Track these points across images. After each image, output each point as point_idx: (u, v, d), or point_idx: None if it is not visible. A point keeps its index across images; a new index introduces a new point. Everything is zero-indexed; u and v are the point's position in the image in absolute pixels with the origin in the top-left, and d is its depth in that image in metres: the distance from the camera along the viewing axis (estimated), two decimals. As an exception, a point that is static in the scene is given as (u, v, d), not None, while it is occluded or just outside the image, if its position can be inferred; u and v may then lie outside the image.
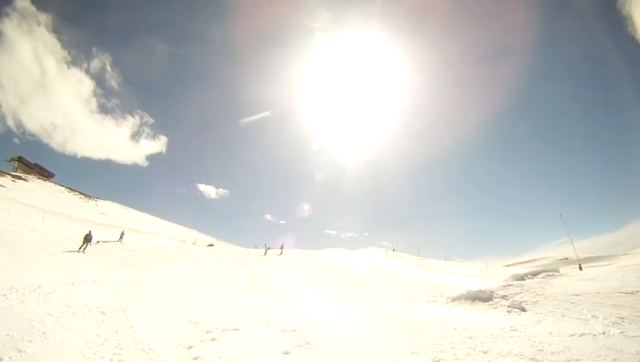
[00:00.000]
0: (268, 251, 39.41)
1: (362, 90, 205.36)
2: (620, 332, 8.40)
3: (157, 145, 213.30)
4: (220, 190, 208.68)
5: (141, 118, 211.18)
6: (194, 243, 58.41)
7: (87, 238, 25.64)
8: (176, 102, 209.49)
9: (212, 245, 60.78)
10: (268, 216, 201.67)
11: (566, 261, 61.23)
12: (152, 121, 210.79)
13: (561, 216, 47.11)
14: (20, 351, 6.13)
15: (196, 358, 6.68)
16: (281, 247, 39.51)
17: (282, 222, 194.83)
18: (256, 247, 48.62)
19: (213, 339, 7.80)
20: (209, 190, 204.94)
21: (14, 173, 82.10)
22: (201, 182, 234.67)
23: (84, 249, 24.76)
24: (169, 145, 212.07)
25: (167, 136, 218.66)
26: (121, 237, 34.85)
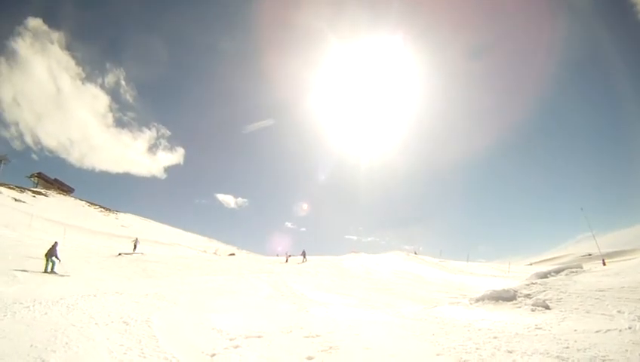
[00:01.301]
0: (289, 259, 39.50)
1: (377, 93, 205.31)
2: None
3: (174, 156, 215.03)
4: (239, 199, 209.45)
5: (157, 131, 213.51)
6: (215, 253, 58.97)
7: (50, 254, 20.06)
8: (191, 113, 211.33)
9: (233, 254, 61.19)
10: (288, 224, 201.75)
11: (589, 257, 60.43)
12: (168, 133, 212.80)
13: (582, 209, 46.41)
14: (43, 361, 6.27)
15: None
16: (303, 254, 39.54)
17: (303, 229, 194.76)
18: (277, 255, 48.81)
19: (236, 347, 7.79)
20: (228, 199, 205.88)
21: (34, 189, 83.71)
22: (219, 192, 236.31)
23: (51, 268, 19.61)
24: (186, 157, 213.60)
25: (184, 147, 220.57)
26: (135, 247, 34.77)
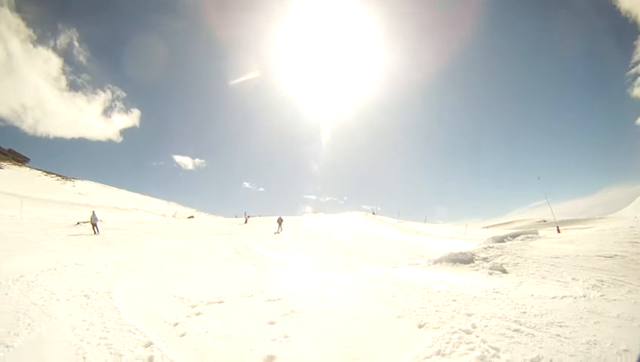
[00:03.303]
0: (248, 219, 39.39)
1: (337, 54, 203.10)
2: (601, 296, 8.59)
3: (130, 118, 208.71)
4: (197, 160, 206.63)
5: (112, 93, 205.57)
6: (174, 217, 58.22)
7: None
8: (147, 74, 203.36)
9: (192, 217, 60.73)
10: (246, 184, 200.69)
11: (544, 223, 62.58)
12: (123, 94, 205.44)
13: (539, 178, 48.00)
14: (6, 347, 5.89)
15: (183, 335, 6.56)
16: (279, 222, 39.49)
17: (261, 189, 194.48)
18: (236, 216, 48.65)
19: (198, 314, 7.69)
20: (185, 161, 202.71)
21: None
22: (176, 154, 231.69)
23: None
24: (142, 118, 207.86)
25: (140, 109, 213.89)
26: (94, 226, 26.91)
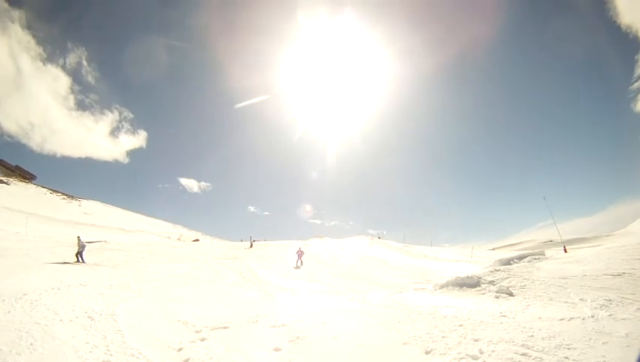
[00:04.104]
0: (254, 244, 39.11)
1: (344, 80, 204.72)
2: (609, 315, 8.42)
3: (137, 140, 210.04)
4: (202, 183, 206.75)
5: (120, 114, 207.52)
6: (179, 239, 58.02)
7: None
8: (155, 96, 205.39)
9: (197, 240, 60.31)
10: (251, 208, 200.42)
11: (550, 243, 62.04)
12: (131, 115, 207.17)
13: (544, 198, 47.72)
14: None
15: (187, 360, 6.57)
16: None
17: (266, 213, 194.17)
18: (241, 240, 48.47)
19: (202, 339, 7.67)
20: (191, 184, 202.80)
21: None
22: (182, 176, 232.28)
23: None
24: (149, 140, 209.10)
25: (146, 130, 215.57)
26: (79, 251, 22.74)
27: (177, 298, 12.14)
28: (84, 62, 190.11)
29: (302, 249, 28.71)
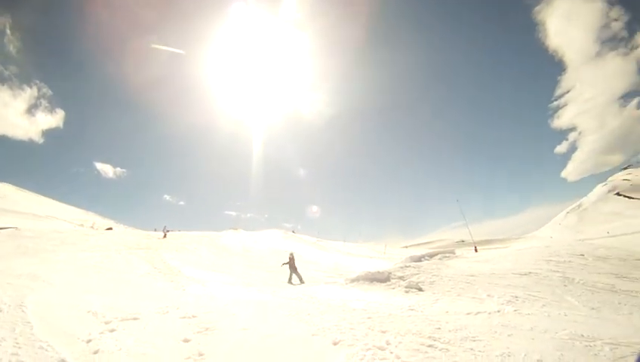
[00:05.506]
0: (167, 234, 38.03)
1: (265, 72, 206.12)
2: (514, 311, 8.76)
3: (54, 119, 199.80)
4: (118, 169, 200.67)
5: (39, 90, 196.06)
6: (92, 227, 55.74)
7: None
8: (77, 73, 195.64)
9: (111, 228, 57.99)
10: (167, 197, 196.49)
11: (462, 243, 65.23)
12: (50, 92, 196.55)
13: (457, 201, 50.00)
14: None
15: (96, 352, 6.11)
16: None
17: (181, 203, 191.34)
18: (155, 230, 47.29)
19: (112, 330, 7.18)
20: (107, 169, 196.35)
21: None
22: (98, 161, 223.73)
23: None
24: (67, 120, 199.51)
25: (65, 109, 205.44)
26: None
27: (88, 288, 11.69)
28: (8, 31, 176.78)
29: (293, 254, 19.86)
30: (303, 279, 17.25)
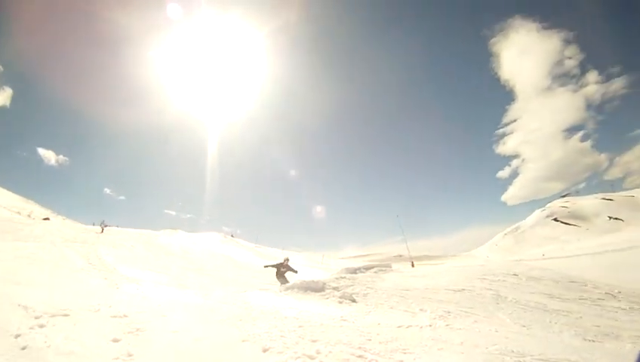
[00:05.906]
0: (105, 229, 37.13)
1: (218, 71, 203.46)
2: (446, 325, 8.88)
3: (1, 97, 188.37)
4: (61, 157, 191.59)
5: None
6: (29, 216, 53.31)
7: None
8: (28, 50, 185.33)
9: (48, 219, 55.56)
10: (107, 190, 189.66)
11: (400, 257, 66.40)
12: (0, 68, 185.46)
13: (397, 216, 51.32)
14: None
15: (24, 348, 5.65)
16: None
17: (122, 197, 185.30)
18: (93, 224, 46.03)
19: (41, 326, 6.65)
20: (49, 155, 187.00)
21: None
22: (41, 146, 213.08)
23: None
24: (14, 99, 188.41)
25: (13, 88, 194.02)
26: None
27: (19, 280, 10.92)
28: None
29: (288, 259, 18.74)
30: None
